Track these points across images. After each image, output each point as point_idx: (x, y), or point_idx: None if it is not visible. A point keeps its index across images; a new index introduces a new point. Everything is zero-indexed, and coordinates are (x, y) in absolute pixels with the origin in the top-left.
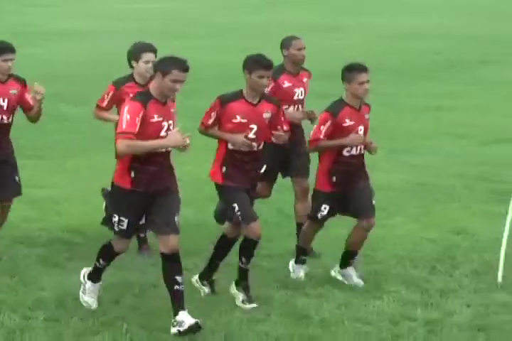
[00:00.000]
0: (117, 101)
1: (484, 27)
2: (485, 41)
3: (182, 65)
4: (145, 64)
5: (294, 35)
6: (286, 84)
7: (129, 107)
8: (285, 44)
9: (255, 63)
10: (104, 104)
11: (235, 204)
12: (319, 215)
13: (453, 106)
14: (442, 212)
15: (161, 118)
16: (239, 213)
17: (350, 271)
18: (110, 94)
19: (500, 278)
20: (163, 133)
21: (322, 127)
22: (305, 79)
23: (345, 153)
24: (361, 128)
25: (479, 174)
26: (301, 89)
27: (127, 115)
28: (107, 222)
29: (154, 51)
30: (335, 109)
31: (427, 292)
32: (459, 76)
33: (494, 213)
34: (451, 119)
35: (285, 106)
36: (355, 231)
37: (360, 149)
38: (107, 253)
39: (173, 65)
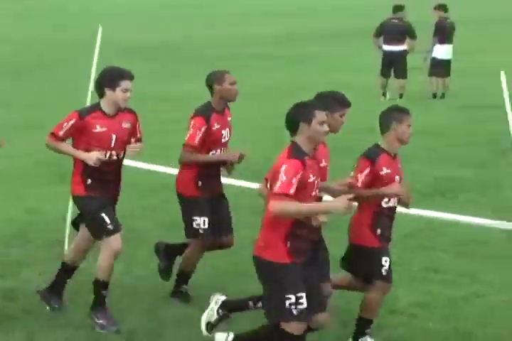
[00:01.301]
0: (76, 133)
1: None
2: None
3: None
4: (123, 92)
5: (222, 69)
6: (216, 126)
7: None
8: (217, 78)
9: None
10: (61, 133)
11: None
12: (384, 271)
13: None
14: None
15: None
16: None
17: None
18: (71, 123)
19: (66, 249)
20: None
21: (360, 175)
22: (229, 118)
23: (383, 204)
24: (397, 177)
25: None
26: (227, 129)
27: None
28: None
29: (132, 78)
30: (373, 154)
31: (6, 264)
32: None
33: (60, 193)
34: None
35: (212, 152)
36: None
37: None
38: None
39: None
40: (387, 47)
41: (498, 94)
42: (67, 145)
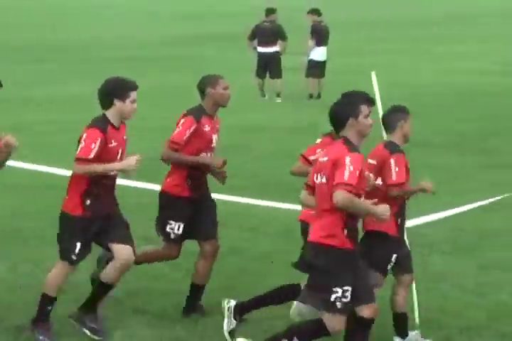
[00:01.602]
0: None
1: None
2: None
3: None
4: (131, 103)
5: (216, 74)
6: (207, 128)
7: None
8: (210, 82)
9: None
10: (92, 155)
11: None
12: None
13: None
14: None
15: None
16: None
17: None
18: (99, 143)
19: None
20: None
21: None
22: (218, 126)
23: None
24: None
25: None
26: (217, 135)
27: None
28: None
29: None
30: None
31: None
32: None
33: None
34: None
35: (202, 153)
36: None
37: None
38: None
39: None
40: (261, 49)
41: (371, 94)
42: (98, 165)
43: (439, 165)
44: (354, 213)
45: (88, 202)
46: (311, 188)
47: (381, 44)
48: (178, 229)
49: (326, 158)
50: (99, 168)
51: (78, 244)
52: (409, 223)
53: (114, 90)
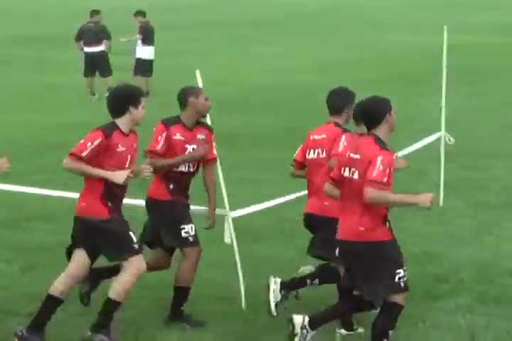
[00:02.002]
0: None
1: None
2: None
3: None
4: (143, 109)
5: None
6: (178, 138)
7: None
8: (193, 92)
9: None
10: (85, 153)
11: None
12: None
13: None
14: None
15: None
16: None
17: None
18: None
19: None
20: None
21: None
22: (199, 136)
23: None
24: None
25: None
26: (195, 146)
27: None
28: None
29: None
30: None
31: None
32: None
33: None
34: None
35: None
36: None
37: None
38: None
39: None
40: (87, 49)
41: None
42: (87, 166)
43: (266, 159)
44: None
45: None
46: (332, 178)
47: (201, 44)
48: (192, 230)
49: (358, 156)
50: (87, 169)
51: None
52: (236, 213)
53: (127, 98)
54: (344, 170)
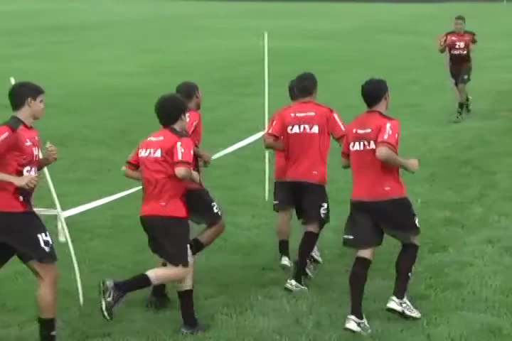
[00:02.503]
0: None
1: None
2: None
3: None
4: (40, 103)
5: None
6: (28, 143)
7: None
8: (32, 94)
9: None
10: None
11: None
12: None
13: None
14: None
15: None
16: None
17: None
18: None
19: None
20: None
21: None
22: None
23: None
24: None
25: None
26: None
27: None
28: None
29: None
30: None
31: None
32: None
33: None
34: None
35: (27, 168)
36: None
37: None
38: None
39: None
40: None
41: None
42: None
43: (95, 158)
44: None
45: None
46: (346, 155)
47: (29, 48)
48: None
49: (369, 130)
50: None
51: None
52: (69, 212)
53: (27, 91)
54: (354, 145)
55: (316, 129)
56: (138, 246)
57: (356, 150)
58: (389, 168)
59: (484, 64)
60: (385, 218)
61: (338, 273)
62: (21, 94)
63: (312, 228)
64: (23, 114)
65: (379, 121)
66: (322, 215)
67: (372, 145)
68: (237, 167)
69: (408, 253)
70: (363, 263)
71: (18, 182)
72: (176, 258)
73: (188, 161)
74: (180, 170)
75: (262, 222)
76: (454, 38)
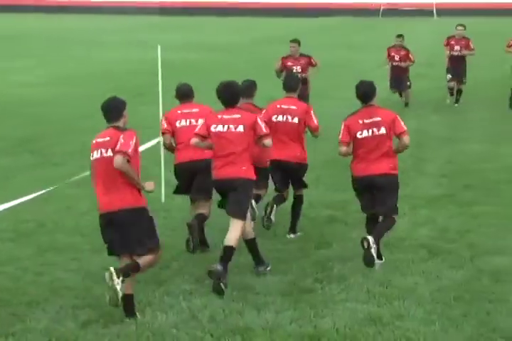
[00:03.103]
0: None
1: None
2: None
3: None
4: None
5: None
6: None
7: None
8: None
9: None
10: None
11: None
12: None
13: None
14: None
15: None
16: None
17: None
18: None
19: None
20: None
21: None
22: None
23: None
24: None
25: None
26: None
27: None
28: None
29: None
30: None
31: None
32: None
33: None
34: None
35: None
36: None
37: None
38: None
39: None
40: None
41: None
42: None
43: (3, 167)
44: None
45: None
46: (347, 143)
47: None
48: None
49: (379, 118)
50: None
51: None
52: None
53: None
54: (362, 132)
55: (384, 131)
56: (41, 248)
57: (365, 137)
58: (391, 151)
59: (369, 74)
60: (381, 189)
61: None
62: None
63: (299, 192)
64: None
65: (385, 112)
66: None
67: (382, 131)
68: None
69: (388, 220)
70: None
71: (149, 188)
72: (237, 212)
73: (123, 150)
74: (115, 159)
75: (159, 223)
76: (393, 53)
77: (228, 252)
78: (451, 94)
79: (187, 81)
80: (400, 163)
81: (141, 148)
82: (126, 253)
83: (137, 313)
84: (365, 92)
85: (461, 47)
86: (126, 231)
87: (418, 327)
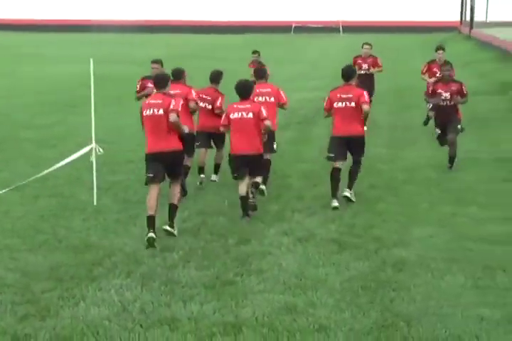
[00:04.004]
0: None
1: None
2: None
3: None
4: None
5: None
6: None
7: None
8: None
9: None
10: None
11: None
12: None
13: None
14: None
15: None
16: None
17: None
18: None
19: None
20: None
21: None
22: None
23: None
24: None
25: None
26: None
27: None
28: None
29: None
30: None
31: None
32: None
33: None
34: None
35: None
36: None
37: None
38: None
39: None
40: None
41: None
42: None
43: None
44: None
45: None
46: (327, 110)
47: None
48: None
49: (351, 95)
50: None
51: None
52: None
53: None
54: (338, 104)
55: (353, 104)
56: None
57: (339, 107)
58: (360, 117)
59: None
60: (353, 144)
61: (160, 267)
62: None
63: (268, 156)
64: None
65: (357, 90)
66: (274, 148)
67: (352, 104)
68: (69, 177)
69: (357, 165)
70: (338, 171)
71: (186, 130)
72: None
73: (177, 109)
74: (172, 115)
75: (91, 224)
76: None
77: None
78: None
79: (120, 93)
80: (313, 166)
81: (74, 156)
82: (161, 181)
83: None
84: (347, 73)
85: (368, 66)
86: (171, 166)
87: (329, 314)
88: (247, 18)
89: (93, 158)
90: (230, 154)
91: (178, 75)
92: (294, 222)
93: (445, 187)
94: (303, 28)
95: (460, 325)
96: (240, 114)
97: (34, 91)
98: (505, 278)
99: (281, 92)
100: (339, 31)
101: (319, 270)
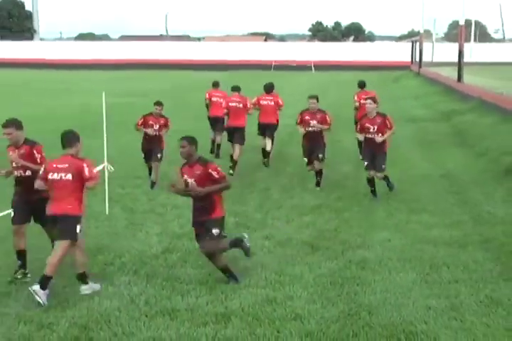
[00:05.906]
0: None
1: None
2: None
3: None
4: None
5: None
6: None
7: None
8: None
9: None
10: None
11: None
12: None
13: None
14: None
15: None
16: None
17: None
18: None
19: None
20: None
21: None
22: None
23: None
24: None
25: None
26: None
27: None
28: None
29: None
30: None
31: None
32: None
33: None
34: None
35: None
36: None
37: None
38: None
39: None
40: None
41: None
42: None
43: None
44: None
45: None
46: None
47: None
48: None
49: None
50: None
51: None
52: None
53: None
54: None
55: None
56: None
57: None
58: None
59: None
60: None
61: (162, 266)
62: None
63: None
64: None
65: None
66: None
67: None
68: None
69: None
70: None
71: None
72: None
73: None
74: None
75: (104, 230)
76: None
77: None
78: None
79: (127, 119)
80: (288, 182)
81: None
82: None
83: None
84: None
85: (317, 122)
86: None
87: (304, 305)
88: (233, 57)
89: (106, 175)
90: None
91: (238, 88)
92: (275, 228)
93: (400, 198)
94: (281, 66)
95: (412, 313)
96: (266, 101)
97: (56, 118)
98: (448, 274)
99: (280, 99)
100: (312, 69)
101: (295, 268)
